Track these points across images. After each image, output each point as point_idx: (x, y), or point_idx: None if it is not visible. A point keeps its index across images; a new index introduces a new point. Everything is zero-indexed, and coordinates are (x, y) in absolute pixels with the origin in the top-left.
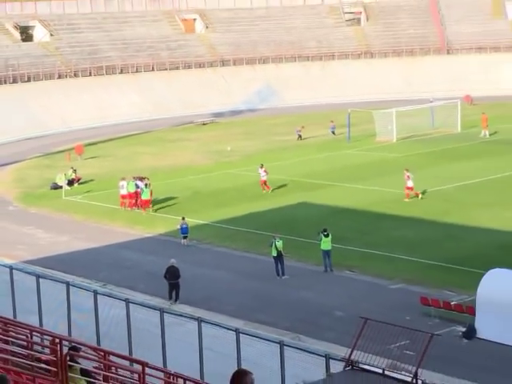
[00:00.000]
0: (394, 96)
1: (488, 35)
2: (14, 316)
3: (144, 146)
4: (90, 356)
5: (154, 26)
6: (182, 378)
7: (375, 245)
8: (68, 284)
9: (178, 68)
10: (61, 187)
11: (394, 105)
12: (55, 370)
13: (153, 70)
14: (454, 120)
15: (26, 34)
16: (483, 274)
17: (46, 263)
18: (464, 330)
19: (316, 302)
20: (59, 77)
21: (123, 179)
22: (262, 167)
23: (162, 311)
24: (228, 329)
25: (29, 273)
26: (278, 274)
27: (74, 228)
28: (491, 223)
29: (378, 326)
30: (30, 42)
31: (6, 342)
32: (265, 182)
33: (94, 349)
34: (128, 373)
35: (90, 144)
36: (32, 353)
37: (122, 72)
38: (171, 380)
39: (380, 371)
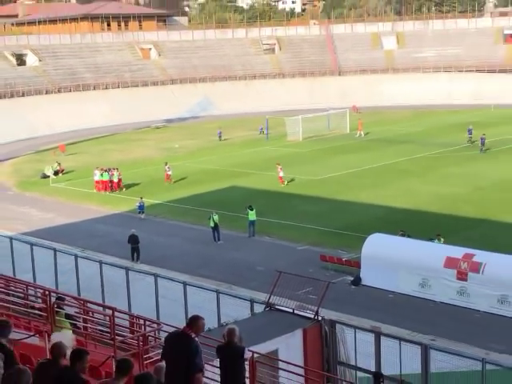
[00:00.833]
0: (300, 106)
1: (368, 61)
2: (14, 275)
3: (113, 144)
4: (72, 304)
5: (119, 54)
6: (142, 319)
7: (286, 217)
8: (55, 250)
9: (137, 86)
10: (48, 177)
11: (300, 113)
12: (45, 315)
13: (118, 87)
14: (344, 124)
15: (20, 60)
16: (366, 238)
17: (38, 234)
18: (352, 279)
19: (243, 260)
20: (46, 93)
21: (96, 169)
22: (166, 164)
23: (127, 269)
24: (177, 281)
25: (24, 242)
26: (215, 240)
27: (58, 207)
28: (371, 200)
29: (289, 277)
30: (23, 66)
31: (7, 295)
32: (168, 176)
33: (75, 298)
34: (102, 316)
35: (70, 143)
36: (28, 302)
37: (94, 89)
38: (134, 320)
39: (291, 310)
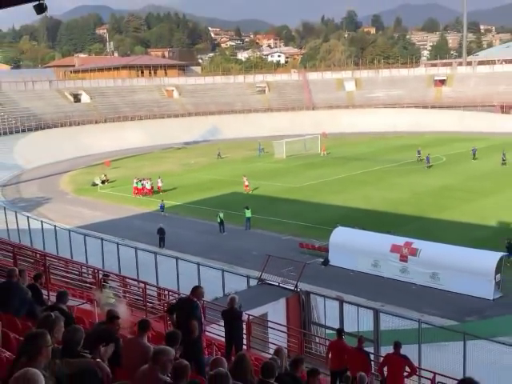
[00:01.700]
0: (284, 133)
1: (334, 99)
2: (71, 257)
3: (145, 160)
4: (115, 279)
5: (149, 94)
6: (166, 290)
7: (273, 215)
8: (102, 239)
9: (163, 117)
10: (97, 185)
11: (283, 138)
12: (95, 287)
13: (149, 118)
14: (316, 146)
15: (76, 98)
16: (332, 230)
17: (89, 227)
18: (322, 260)
19: (242, 247)
20: (96, 122)
21: (135, 178)
22: (144, 179)
23: (155, 253)
24: (193, 262)
25: (79, 233)
26: (221, 232)
27: (104, 208)
28: (336, 202)
29: (276, 259)
30: (79, 103)
31: (67, 272)
32: (158, 189)
33: (117, 275)
34: (136, 288)
35: (113, 160)
36: (81, 278)
37: (131, 120)
38: (161, 291)
39: (277, 284)
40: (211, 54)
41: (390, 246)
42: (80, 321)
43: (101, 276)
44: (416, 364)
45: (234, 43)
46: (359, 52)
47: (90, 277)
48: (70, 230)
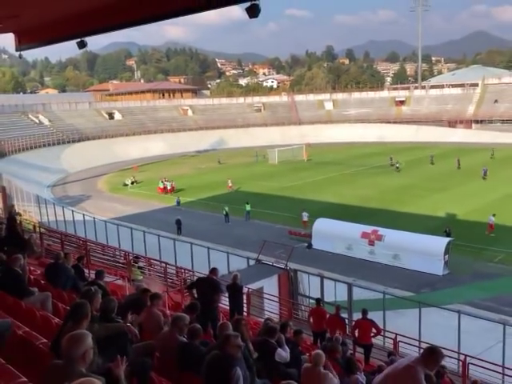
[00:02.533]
0: (276, 143)
1: (316, 116)
2: (107, 243)
3: (165, 166)
4: (143, 260)
5: (169, 112)
6: (183, 268)
7: (268, 208)
8: (131, 228)
9: (180, 131)
10: (127, 185)
11: (276, 147)
12: (126, 267)
13: (169, 132)
14: (301, 154)
15: (111, 116)
16: (315, 220)
17: (121, 219)
18: (307, 244)
19: (243, 234)
20: (126, 135)
21: (160, 179)
22: (166, 179)
23: (174, 240)
24: (204, 247)
25: (113, 223)
26: (226, 222)
27: (133, 203)
28: (316, 198)
29: (271, 244)
30: (112, 120)
31: (103, 255)
32: (171, 189)
33: (144, 257)
34: (159, 267)
35: (140, 165)
36: (115, 259)
37: (155, 133)
38: (179, 270)
39: (271, 263)
40: (218, 81)
41: (360, 232)
42: (114, 293)
43: (131, 258)
44: (381, 327)
45: (236, 72)
46: (336, 78)
47: (122, 258)
48: (105, 221)
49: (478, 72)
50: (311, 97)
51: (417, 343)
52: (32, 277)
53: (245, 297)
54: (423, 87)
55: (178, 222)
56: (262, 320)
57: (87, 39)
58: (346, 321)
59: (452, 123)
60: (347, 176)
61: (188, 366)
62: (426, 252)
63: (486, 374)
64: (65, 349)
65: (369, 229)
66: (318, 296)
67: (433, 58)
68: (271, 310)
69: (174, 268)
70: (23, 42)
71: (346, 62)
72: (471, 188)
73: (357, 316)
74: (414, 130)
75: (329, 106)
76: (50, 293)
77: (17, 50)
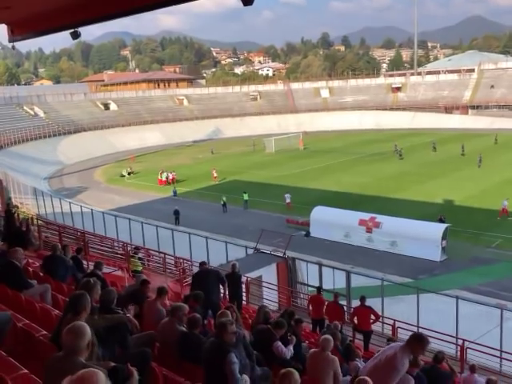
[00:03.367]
0: (273, 132)
1: (313, 104)
2: (105, 234)
3: (162, 156)
4: (141, 251)
5: (165, 102)
6: (182, 259)
7: (266, 197)
8: (129, 219)
9: (176, 121)
10: (124, 176)
11: (272, 136)
12: (124, 258)
13: (165, 122)
14: (298, 142)
15: (106, 106)
16: (312, 208)
17: (118, 210)
18: (305, 233)
19: (241, 223)
20: (122, 126)
21: (159, 171)
22: (172, 172)
23: (172, 230)
24: (202, 236)
25: (111, 214)
26: (224, 212)
27: (130, 194)
28: (314, 186)
29: (269, 233)
30: (108, 110)
31: (102, 246)
32: (173, 179)
33: (142, 248)
34: (158, 257)
35: (137, 156)
36: (114, 250)
37: (151, 123)
38: (178, 260)
39: (269, 252)
40: (213, 70)
41: (358, 220)
42: (113, 284)
43: (130, 249)
44: (380, 313)
45: (231, 60)
46: (332, 66)
47: (121, 249)
48: (103, 213)
49: (474, 57)
50: (307, 84)
51: (415, 329)
52: (31, 269)
53: (244, 285)
54: (419, 73)
55: (176, 213)
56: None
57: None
58: (345, 308)
59: (448, 109)
60: (344, 164)
61: (188, 355)
62: (424, 238)
63: (483, 359)
64: (66, 341)
65: (366, 216)
66: (317, 283)
67: (429, 44)
68: (270, 298)
69: (173, 258)
70: (16, 33)
71: (342, 49)
72: (469, 174)
73: (355, 303)
74: (411, 117)
75: (325, 93)
76: (49, 285)
77: (10, 42)
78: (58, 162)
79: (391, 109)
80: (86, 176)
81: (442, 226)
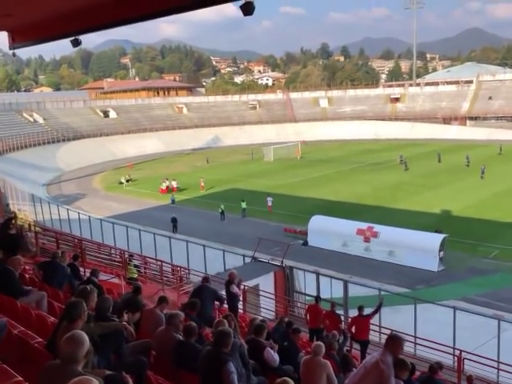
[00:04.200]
0: (271, 141)
1: (312, 114)
2: (102, 241)
3: (161, 163)
4: (138, 258)
5: (164, 110)
6: (179, 266)
7: (263, 206)
8: (127, 226)
9: (175, 129)
10: (123, 183)
11: (271, 145)
12: (121, 265)
13: (164, 130)
14: (296, 151)
15: (106, 114)
16: (310, 217)
17: (116, 217)
18: (303, 242)
19: (239, 231)
20: (121, 133)
21: (162, 180)
22: (174, 180)
23: (169, 237)
24: (199, 244)
25: (109, 222)
26: (222, 220)
27: (128, 201)
28: (312, 195)
29: (266, 242)
30: (108, 118)
31: (99, 253)
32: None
33: (139, 255)
34: (155, 265)
35: (135, 163)
36: (111, 257)
37: (150, 131)
38: (175, 268)
39: (267, 261)
40: (213, 78)
41: (355, 229)
42: (109, 292)
43: (127, 256)
44: (377, 323)
45: (231, 69)
46: (331, 76)
47: (118, 257)
48: (101, 220)
49: (473, 69)
50: (306, 94)
51: (412, 339)
52: (27, 276)
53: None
54: (418, 84)
55: (174, 220)
56: (259, 317)
57: (81, 37)
58: (342, 317)
59: (447, 120)
60: (342, 173)
61: (184, 363)
62: (421, 248)
63: (481, 369)
64: (65, 349)
65: (364, 225)
66: (314, 293)
67: (427, 55)
68: (267, 307)
69: (170, 266)
70: (17, 40)
71: (341, 59)
72: (470, 184)
73: (352, 312)
74: (409, 127)
75: (324, 103)
76: (46, 292)
77: (10, 49)
78: (56, 169)
79: (390, 119)
80: (85, 183)
81: (440, 237)
